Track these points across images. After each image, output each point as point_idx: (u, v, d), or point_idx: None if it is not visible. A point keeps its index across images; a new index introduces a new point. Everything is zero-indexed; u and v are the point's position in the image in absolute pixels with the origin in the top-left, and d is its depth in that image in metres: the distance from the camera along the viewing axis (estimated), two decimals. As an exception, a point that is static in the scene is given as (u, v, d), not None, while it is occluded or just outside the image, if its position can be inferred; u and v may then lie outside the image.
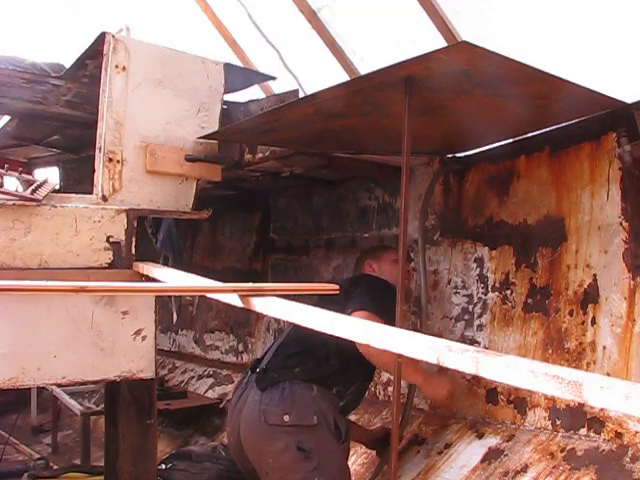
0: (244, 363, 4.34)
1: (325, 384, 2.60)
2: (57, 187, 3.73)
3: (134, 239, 2.43)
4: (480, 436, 2.84)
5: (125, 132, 2.49)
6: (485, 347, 2.99)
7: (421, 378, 2.75)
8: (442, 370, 2.74)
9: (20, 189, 2.34)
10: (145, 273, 2.26)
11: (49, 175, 5.05)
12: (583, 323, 2.63)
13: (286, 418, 2.45)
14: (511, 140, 2.90)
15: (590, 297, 2.62)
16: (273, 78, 3.38)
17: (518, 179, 2.90)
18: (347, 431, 2.66)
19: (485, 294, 3.03)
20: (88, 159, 2.91)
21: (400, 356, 2.25)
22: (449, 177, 3.18)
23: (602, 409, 2.37)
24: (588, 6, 2.84)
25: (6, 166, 2.42)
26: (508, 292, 2.93)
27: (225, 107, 2.82)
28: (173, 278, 1.98)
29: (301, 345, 2.67)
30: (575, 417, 2.56)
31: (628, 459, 2.33)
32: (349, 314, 2.48)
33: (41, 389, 4.73)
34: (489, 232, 3.02)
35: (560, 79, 2.02)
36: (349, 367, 2.66)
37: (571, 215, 2.70)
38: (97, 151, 2.48)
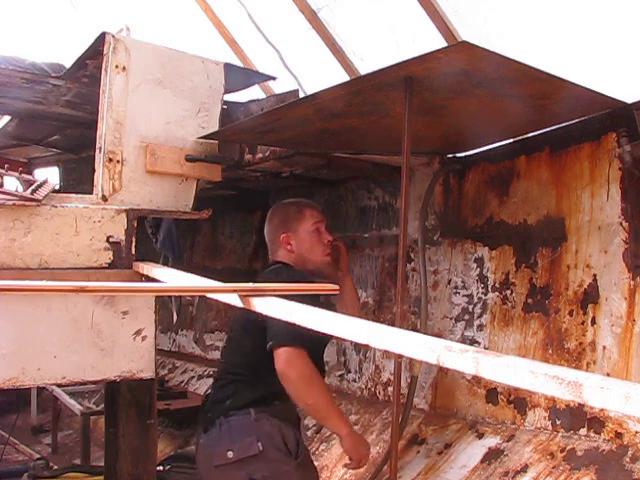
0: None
1: (264, 402, 2.41)
2: (57, 187, 3.74)
3: (134, 239, 2.43)
4: (480, 436, 2.84)
5: (125, 132, 2.49)
6: (485, 347, 2.99)
7: (346, 429, 2.39)
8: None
9: (20, 189, 2.34)
10: (145, 273, 2.25)
11: (49, 175, 5.05)
12: (583, 323, 2.63)
13: (230, 454, 2.31)
14: (511, 140, 2.90)
15: (590, 297, 2.62)
16: (273, 78, 3.38)
17: (518, 179, 2.90)
18: (298, 444, 2.42)
19: (485, 294, 3.03)
20: (88, 159, 2.91)
21: (400, 356, 2.25)
22: (449, 177, 3.18)
23: (602, 409, 2.37)
24: (588, 6, 2.84)
25: (6, 166, 2.42)
26: (508, 292, 2.93)
27: (225, 107, 2.82)
28: (173, 278, 1.98)
29: (231, 374, 2.51)
30: (575, 417, 2.56)
31: (628, 459, 2.33)
32: (270, 350, 2.29)
33: (41, 389, 4.73)
34: (489, 232, 3.02)
35: (560, 79, 2.02)
36: None
37: (571, 215, 2.70)
38: (97, 151, 2.48)
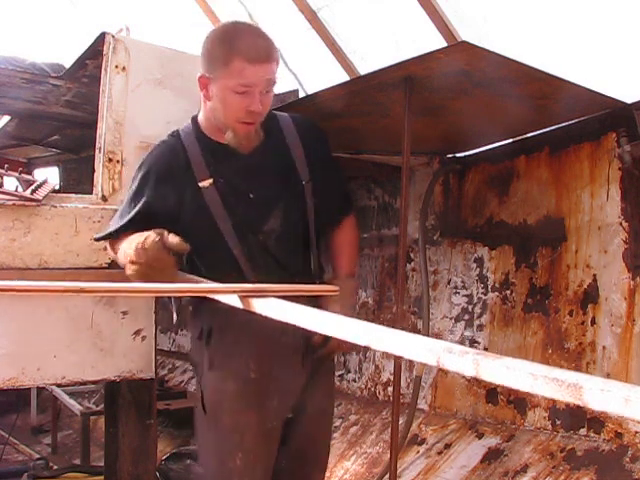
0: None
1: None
2: (57, 187, 3.73)
3: (134, 239, 2.42)
4: (480, 436, 2.84)
5: (125, 132, 2.49)
6: (485, 347, 3.00)
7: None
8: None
9: (20, 189, 2.34)
10: (145, 273, 2.25)
11: (49, 175, 5.05)
12: (583, 323, 2.63)
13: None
14: (511, 140, 2.90)
15: (590, 297, 2.62)
16: (273, 78, 3.37)
17: (518, 179, 2.90)
18: (207, 327, 1.93)
19: (485, 294, 3.03)
20: (88, 159, 2.91)
21: (400, 356, 2.24)
22: (449, 177, 3.18)
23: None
24: (588, 6, 2.84)
25: (6, 166, 2.42)
26: (508, 292, 2.93)
27: (225, 107, 2.81)
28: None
29: None
30: (575, 417, 2.56)
31: (628, 459, 2.33)
32: None
33: (41, 389, 4.73)
34: (489, 232, 3.01)
35: (560, 79, 2.02)
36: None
37: (571, 215, 2.70)
38: (97, 151, 2.47)
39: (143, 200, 1.84)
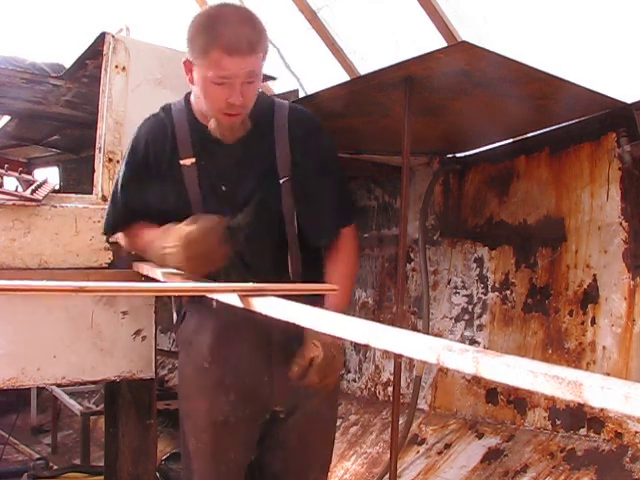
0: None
1: None
2: (57, 187, 3.73)
3: (134, 239, 2.42)
4: (480, 436, 2.84)
5: (125, 132, 2.49)
6: (485, 347, 2.99)
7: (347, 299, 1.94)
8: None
9: (20, 189, 2.34)
10: (145, 273, 2.25)
11: (49, 175, 5.05)
12: (583, 323, 2.63)
13: None
14: (511, 140, 2.90)
15: (590, 297, 2.62)
16: (273, 78, 3.38)
17: (518, 179, 2.90)
18: (181, 312, 1.99)
19: (485, 294, 3.03)
20: (88, 159, 2.91)
21: (400, 356, 2.25)
22: (449, 177, 3.18)
23: (602, 409, 2.37)
24: (588, 6, 2.84)
25: (6, 166, 2.42)
26: (508, 292, 2.93)
27: (225, 107, 2.81)
28: (173, 278, 1.97)
29: None
30: (575, 417, 2.56)
31: (628, 459, 2.33)
32: None
33: (41, 389, 4.73)
34: (489, 232, 3.02)
35: (560, 79, 2.02)
36: None
37: (571, 215, 2.70)
38: (97, 151, 2.47)
39: (133, 185, 1.87)
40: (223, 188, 1.81)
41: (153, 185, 1.84)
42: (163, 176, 1.83)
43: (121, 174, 1.91)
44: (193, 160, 1.80)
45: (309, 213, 1.84)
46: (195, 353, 1.89)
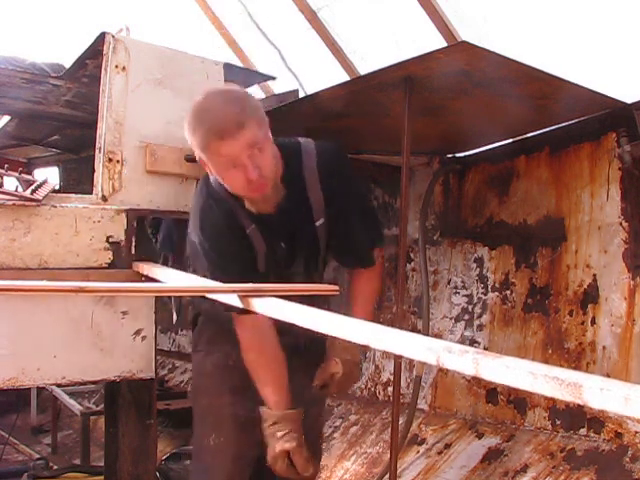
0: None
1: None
2: (57, 187, 3.74)
3: (134, 239, 2.42)
4: (480, 436, 2.84)
5: (125, 132, 2.49)
6: (485, 347, 2.99)
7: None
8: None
9: (20, 189, 2.34)
10: (145, 273, 2.25)
11: (49, 175, 5.05)
12: (583, 323, 2.63)
13: None
14: (511, 140, 2.90)
15: (590, 297, 2.62)
16: (273, 78, 3.38)
17: (518, 179, 2.90)
18: (196, 311, 2.20)
19: (485, 294, 3.03)
20: (88, 159, 2.91)
21: (400, 356, 2.25)
22: (449, 177, 3.18)
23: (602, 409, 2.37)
24: (588, 6, 2.84)
25: (6, 166, 2.42)
26: (508, 292, 2.93)
27: (225, 107, 2.81)
28: (173, 278, 1.98)
29: None
30: (575, 417, 2.56)
31: (628, 459, 2.33)
32: None
33: (41, 389, 4.73)
34: (489, 232, 3.01)
35: (560, 79, 2.02)
36: None
37: (571, 215, 2.70)
38: (97, 151, 2.47)
39: (225, 258, 1.91)
40: (282, 245, 1.96)
41: (238, 256, 1.92)
42: (240, 245, 1.92)
43: (209, 262, 1.92)
44: (253, 226, 1.91)
45: (342, 245, 2.02)
46: (219, 352, 2.06)
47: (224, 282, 1.75)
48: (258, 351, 1.94)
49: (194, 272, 2.00)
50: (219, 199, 1.89)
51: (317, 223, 1.94)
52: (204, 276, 1.89)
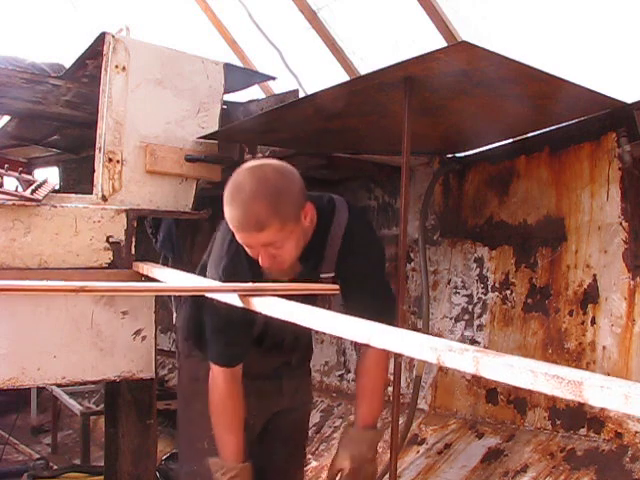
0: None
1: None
2: (57, 187, 3.74)
3: (134, 239, 2.43)
4: (480, 436, 2.84)
5: (125, 132, 2.49)
6: (485, 347, 2.99)
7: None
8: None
9: (20, 189, 2.34)
10: (145, 273, 2.25)
11: (49, 175, 5.05)
12: (583, 323, 2.63)
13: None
14: (511, 140, 2.90)
15: (590, 297, 2.62)
16: (273, 78, 3.38)
17: (518, 179, 2.90)
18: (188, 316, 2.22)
19: (485, 294, 3.03)
20: (88, 159, 2.91)
21: (400, 356, 2.25)
22: (449, 177, 3.18)
23: (602, 409, 2.37)
24: (588, 6, 2.84)
25: (6, 166, 2.42)
26: (508, 292, 2.93)
27: (225, 107, 2.82)
28: (173, 278, 1.98)
29: None
30: (575, 417, 2.56)
31: (628, 459, 2.33)
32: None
33: (41, 389, 4.73)
34: (489, 232, 3.01)
35: (560, 79, 2.02)
36: None
37: (571, 215, 2.70)
38: (97, 151, 2.47)
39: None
40: None
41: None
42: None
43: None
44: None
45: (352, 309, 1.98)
46: None
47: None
48: (229, 399, 1.92)
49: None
50: (242, 258, 1.84)
51: (323, 275, 1.92)
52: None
